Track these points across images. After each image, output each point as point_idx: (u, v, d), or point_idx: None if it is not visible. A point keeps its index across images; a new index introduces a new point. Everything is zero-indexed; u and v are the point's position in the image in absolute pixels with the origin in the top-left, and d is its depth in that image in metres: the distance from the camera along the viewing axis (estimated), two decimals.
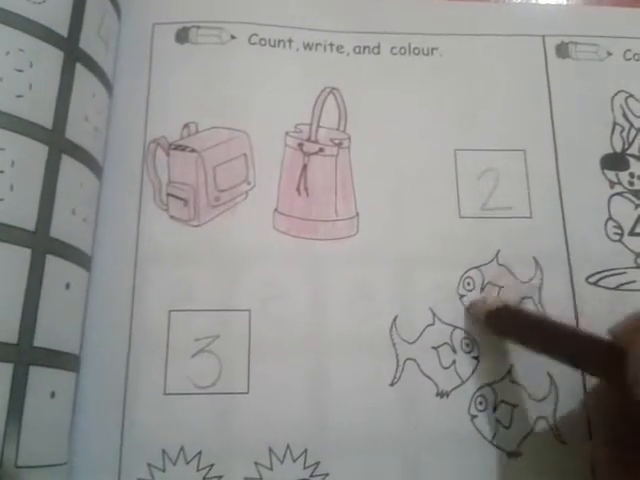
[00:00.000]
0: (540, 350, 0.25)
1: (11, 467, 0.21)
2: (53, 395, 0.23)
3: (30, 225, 0.23)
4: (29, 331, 0.22)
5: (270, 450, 0.26)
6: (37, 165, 0.24)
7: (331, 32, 0.32)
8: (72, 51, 0.26)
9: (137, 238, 0.28)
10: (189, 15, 0.32)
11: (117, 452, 0.25)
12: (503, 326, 0.27)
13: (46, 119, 0.24)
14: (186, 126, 0.30)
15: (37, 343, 0.23)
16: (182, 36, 0.32)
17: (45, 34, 0.25)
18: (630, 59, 0.33)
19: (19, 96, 0.24)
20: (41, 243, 0.23)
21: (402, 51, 0.32)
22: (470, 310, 0.28)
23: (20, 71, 0.24)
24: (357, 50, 0.32)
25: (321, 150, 0.30)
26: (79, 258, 0.26)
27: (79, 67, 0.26)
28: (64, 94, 0.25)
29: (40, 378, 0.23)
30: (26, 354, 0.22)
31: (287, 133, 0.30)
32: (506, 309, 0.27)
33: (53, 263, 0.24)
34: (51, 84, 0.25)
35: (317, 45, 0.32)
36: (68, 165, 0.25)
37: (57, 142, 0.25)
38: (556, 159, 0.31)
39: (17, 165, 0.23)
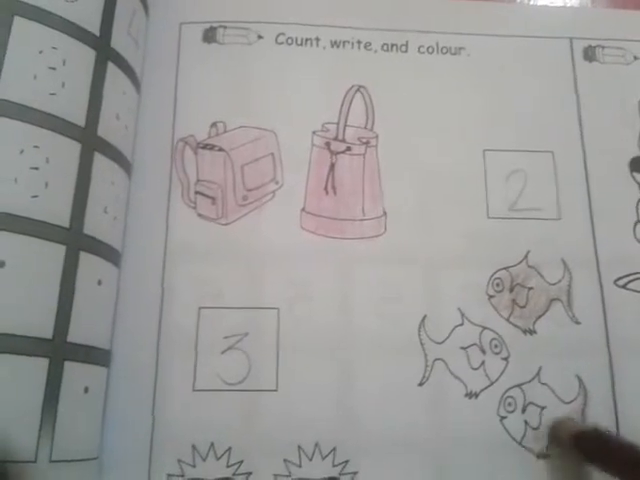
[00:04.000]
0: None
1: (45, 461, 0.21)
2: (87, 390, 0.24)
3: (64, 222, 0.23)
4: (64, 327, 0.23)
5: (299, 447, 0.26)
6: (71, 162, 0.24)
7: (359, 29, 0.32)
8: (104, 49, 0.26)
9: (166, 236, 0.28)
10: (216, 15, 0.32)
11: (147, 448, 0.25)
12: (591, 451, 0.25)
13: (79, 117, 0.24)
14: (214, 125, 0.30)
15: (71, 339, 0.23)
16: (209, 36, 0.32)
17: (78, 32, 0.25)
18: None
19: (52, 94, 0.24)
20: (75, 240, 0.24)
21: (430, 50, 0.32)
22: (554, 430, 0.27)
23: (53, 69, 0.24)
24: (385, 48, 0.32)
25: (348, 149, 0.30)
26: (111, 255, 0.26)
27: (110, 65, 0.26)
28: (96, 92, 0.25)
29: (74, 373, 0.23)
30: (61, 349, 0.22)
31: (314, 132, 0.30)
32: (595, 433, 0.25)
33: (86, 260, 0.24)
34: (83, 82, 0.25)
35: (344, 43, 0.32)
36: (100, 163, 0.25)
37: (90, 140, 0.25)
38: (584, 161, 0.31)
39: (51, 162, 0.23)
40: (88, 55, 0.25)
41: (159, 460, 0.25)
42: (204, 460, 0.25)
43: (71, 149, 0.24)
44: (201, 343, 0.27)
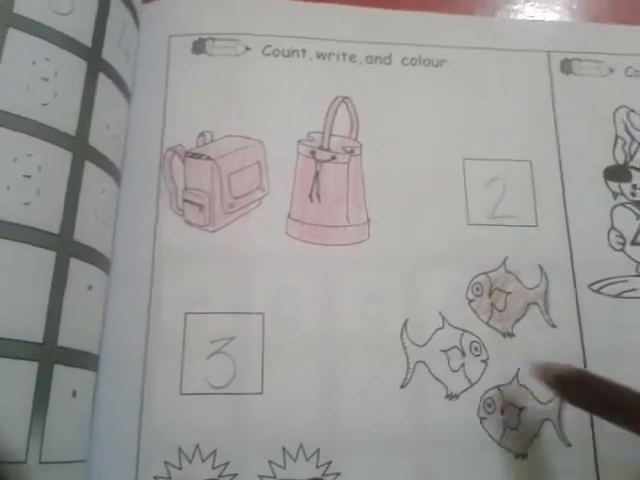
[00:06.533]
0: (623, 426, 0.22)
1: (35, 463, 0.22)
2: (75, 394, 0.24)
3: (55, 228, 0.24)
4: (53, 331, 0.23)
5: (284, 449, 0.26)
6: (62, 171, 0.25)
7: (344, 42, 0.33)
8: (95, 61, 0.27)
9: (154, 242, 0.29)
10: (205, 27, 0.33)
11: (134, 450, 0.26)
12: (577, 395, 0.25)
13: (70, 126, 0.25)
14: (202, 135, 0.31)
15: (61, 343, 0.23)
16: (198, 47, 0.32)
17: (70, 44, 0.26)
18: (631, 76, 0.34)
19: (45, 104, 0.24)
20: (65, 246, 0.24)
21: (413, 62, 0.33)
22: (537, 372, 0.26)
23: (46, 80, 0.25)
24: (369, 60, 0.33)
25: (333, 158, 0.31)
26: (100, 261, 0.26)
27: (101, 76, 0.27)
28: (87, 102, 0.26)
29: (63, 377, 0.23)
30: (51, 353, 0.23)
31: (300, 141, 0.31)
32: (581, 377, 0.25)
33: (76, 266, 0.24)
34: (75, 93, 0.26)
35: (330, 55, 0.33)
36: (91, 171, 0.26)
37: (81, 149, 0.25)
38: (561, 170, 0.32)
39: (43, 170, 0.24)
40: (80, 66, 0.26)
41: (146, 462, 0.26)
42: (190, 462, 0.26)
43: (62, 158, 0.25)
44: (188, 348, 0.27)
